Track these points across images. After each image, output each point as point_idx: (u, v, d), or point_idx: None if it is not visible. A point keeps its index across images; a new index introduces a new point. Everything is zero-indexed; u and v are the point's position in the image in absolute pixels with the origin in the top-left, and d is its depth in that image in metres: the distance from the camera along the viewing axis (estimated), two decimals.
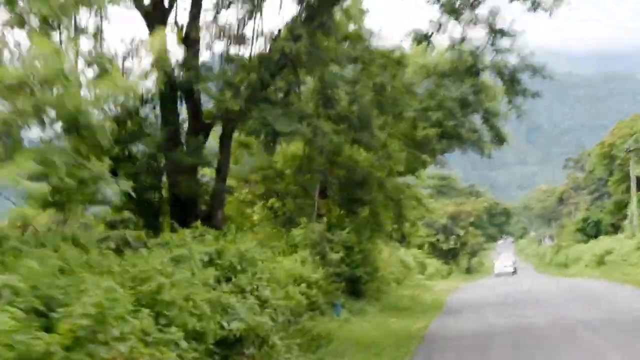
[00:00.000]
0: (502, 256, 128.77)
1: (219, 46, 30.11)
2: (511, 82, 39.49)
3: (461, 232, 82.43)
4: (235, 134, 31.53)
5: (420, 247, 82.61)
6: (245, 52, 29.49)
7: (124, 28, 26.23)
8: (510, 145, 54.53)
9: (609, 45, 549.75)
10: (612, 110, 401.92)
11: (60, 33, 16.11)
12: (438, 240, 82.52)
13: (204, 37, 29.21)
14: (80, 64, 16.69)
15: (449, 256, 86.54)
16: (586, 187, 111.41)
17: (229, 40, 29.25)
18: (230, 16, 30.06)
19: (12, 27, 14.71)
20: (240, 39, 29.28)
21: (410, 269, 56.19)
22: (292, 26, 27.75)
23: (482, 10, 34.42)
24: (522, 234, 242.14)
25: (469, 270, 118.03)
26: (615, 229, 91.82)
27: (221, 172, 29.60)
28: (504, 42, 37.15)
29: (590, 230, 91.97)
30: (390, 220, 43.58)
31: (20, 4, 14.62)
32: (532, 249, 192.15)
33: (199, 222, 23.24)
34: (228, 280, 18.54)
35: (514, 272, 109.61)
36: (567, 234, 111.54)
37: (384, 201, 39.88)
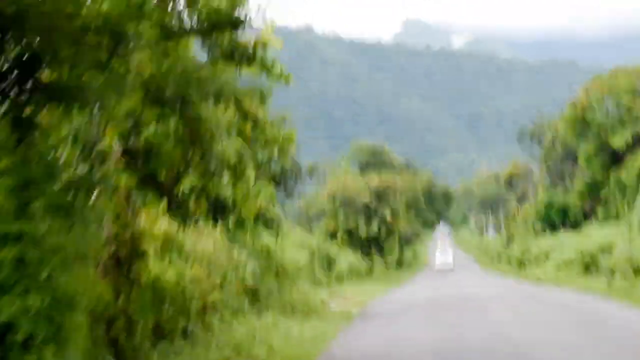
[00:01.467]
0: (441, 248, 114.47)
1: None
2: None
3: (388, 215, 58.51)
4: None
5: (332, 235, 59.53)
6: None
7: None
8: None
9: (553, 33, 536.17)
10: (553, 98, 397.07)
11: None
12: (357, 225, 59.15)
13: None
14: None
15: (372, 247, 62.74)
16: (544, 165, 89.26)
17: None
18: None
19: None
20: None
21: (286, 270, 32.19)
22: None
23: None
24: (461, 221, 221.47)
25: (399, 264, 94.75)
26: (587, 216, 69.13)
27: None
28: None
29: (555, 218, 69.24)
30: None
31: None
32: (473, 240, 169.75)
33: None
34: None
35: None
36: (521, 224, 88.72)
37: None
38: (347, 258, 54.90)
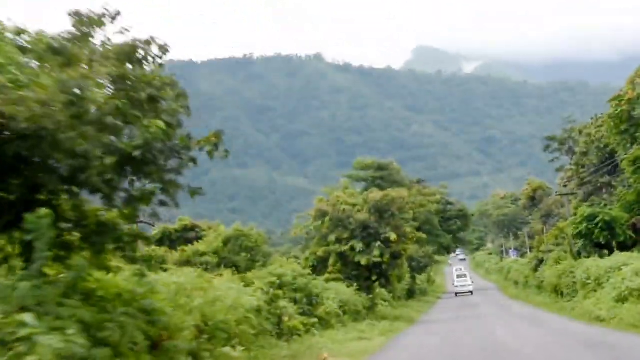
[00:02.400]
0: (458, 272, 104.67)
1: None
2: None
3: (392, 235, 43.37)
4: None
5: (321, 262, 44.59)
6: None
7: None
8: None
9: (564, 55, 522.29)
10: (564, 121, 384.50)
11: None
12: (352, 248, 43.93)
13: None
14: None
15: (372, 276, 47.32)
16: (575, 177, 74.56)
17: None
18: None
19: None
20: None
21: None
22: None
23: None
24: (477, 246, 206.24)
25: (410, 295, 79.76)
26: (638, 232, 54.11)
27: None
28: None
29: (600, 235, 54.21)
30: None
31: None
32: (492, 264, 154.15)
33: None
34: None
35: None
36: (552, 244, 73.56)
37: None
38: (338, 293, 40.39)
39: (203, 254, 61.09)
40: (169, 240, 64.82)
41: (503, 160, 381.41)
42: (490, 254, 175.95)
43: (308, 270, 40.61)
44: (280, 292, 29.77)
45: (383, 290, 54.36)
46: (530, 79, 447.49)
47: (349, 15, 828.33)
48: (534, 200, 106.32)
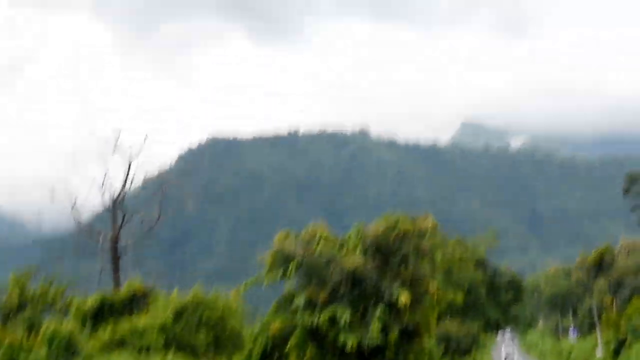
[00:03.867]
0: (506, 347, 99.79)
1: None
2: None
3: (403, 295, 23.09)
4: None
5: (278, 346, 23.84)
6: None
7: None
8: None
9: (613, 128, 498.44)
10: (616, 195, 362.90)
11: None
12: (333, 320, 23.11)
13: None
14: None
15: None
16: None
17: None
18: None
19: None
20: None
21: None
22: None
23: None
24: (529, 323, 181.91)
25: None
26: None
27: None
28: None
29: None
30: None
31: None
32: (546, 346, 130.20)
33: None
34: None
35: None
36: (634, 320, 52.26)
37: None
38: None
39: (143, 332, 41.07)
40: (111, 311, 44.71)
41: (552, 237, 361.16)
42: (543, 334, 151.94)
43: None
44: None
45: None
46: (579, 152, 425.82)
47: (393, 92, 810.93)
48: (600, 267, 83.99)
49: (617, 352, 53.09)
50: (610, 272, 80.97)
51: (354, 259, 25.99)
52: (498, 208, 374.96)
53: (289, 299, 26.01)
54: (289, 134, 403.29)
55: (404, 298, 25.05)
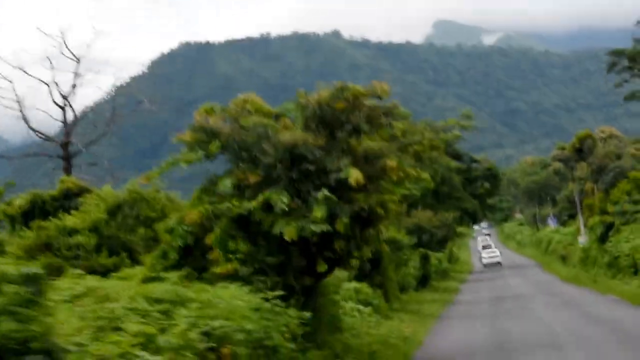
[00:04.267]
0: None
1: None
2: None
3: (353, 174, 18.20)
4: None
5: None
6: None
7: None
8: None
9: (587, 22, 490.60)
10: (591, 88, 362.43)
11: None
12: (267, 206, 18.73)
13: None
14: None
15: (319, 266, 21.78)
16: None
17: None
18: None
19: None
20: None
21: None
22: None
23: None
24: (505, 216, 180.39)
25: (424, 281, 53.66)
26: None
27: None
28: None
29: None
30: None
31: None
32: (525, 236, 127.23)
33: None
34: None
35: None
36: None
37: None
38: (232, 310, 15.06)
39: (73, 232, 35.99)
40: (42, 211, 39.87)
41: (527, 132, 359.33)
42: (521, 224, 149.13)
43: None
44: None
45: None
46: (553, 48, 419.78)
47: None
48: (580, 152, 79.47)
49: (603, 237, 48.81)
50: (590, 159, 76.49)
51: (293, 133, 20.83)
52: (473, 105, 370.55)
53: (214, 183, 20.94)
54: (261, 37, 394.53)
55: (354, 177, 19.97)
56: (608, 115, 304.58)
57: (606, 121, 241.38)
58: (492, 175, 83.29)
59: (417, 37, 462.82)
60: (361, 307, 26.58)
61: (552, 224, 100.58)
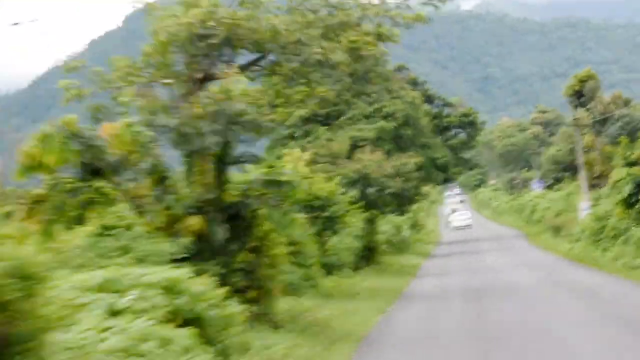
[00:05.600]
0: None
1: None
2: None
3: None
4: None
5: None
6: None
7: None
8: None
9: None
10: (567, 57, 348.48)
11: None
12: None
13: None
14: None
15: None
16: None
17: None
18: None
19: None
20: None
21: None
22: None
23: None
24: (479, 182, 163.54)
25: (368, 256, 35.39)
26: None
27: None
28: None
29: None
30: None
31: None
32: (502, 202, 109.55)
33: None
34: None
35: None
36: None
37: None
38: None
39: None
40: None
41: (502, 99, 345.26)
42: (497, 189, 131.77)
43: None
44: None
45: None
46: (530, 15, 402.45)
47: None
48: (581, 97, 61.42)
49: (633, 200, 31.03)
50: (592, 104, 58.54)
51: None
52: (449, 70, 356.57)
53: None
54: None
55: None
56: None
57: None
58: (469, 123, 65.35)
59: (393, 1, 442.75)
60: None
61: (537, 188, 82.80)
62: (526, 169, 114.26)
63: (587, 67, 65.22)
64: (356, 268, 32.00)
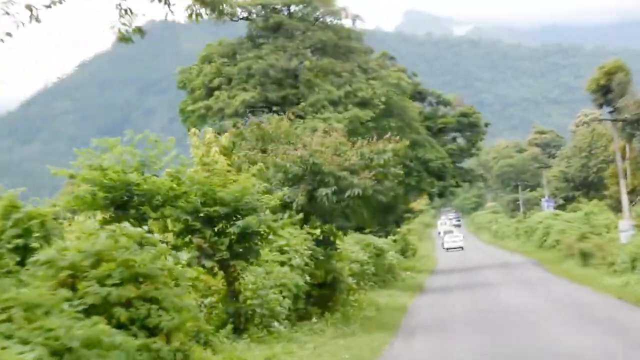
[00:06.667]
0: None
1: None
2: None
3: None
4: None
5: None
6: None
7: None
8: None
9: (558, 18, 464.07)
10: (559, 83, 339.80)
11: None
12: None
13: None
14: None
15: None
16: None
17: None
18: None
19: None
20: None
21: None
22: None
23: None
24: (475, 205, 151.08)
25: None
26: None
27: None
28: None
29: None
30: None
31: None
32: (503, 225, 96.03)
33: None
34: None
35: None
36: None
37: None
38: None
39: None
40: None
41: (494, 125, 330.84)
42: (496, 212, 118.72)
43: None
44: None
45: None
46: (523, 41, 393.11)
47: None
48: (607, 93, 48.36)
49: None
50: (621, 102, 45.46)
51: None
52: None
53: None
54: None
55: None
56: (574, 110, 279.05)
57: (572, 117, 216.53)
58: (469, 125, 52.33)
59: (388, 26, 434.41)
60: None
61: (548, 207, 69.33)
62: (528, 189, 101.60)
63: (613, 59, 52.31)
64: (301, 318, 18.97)
